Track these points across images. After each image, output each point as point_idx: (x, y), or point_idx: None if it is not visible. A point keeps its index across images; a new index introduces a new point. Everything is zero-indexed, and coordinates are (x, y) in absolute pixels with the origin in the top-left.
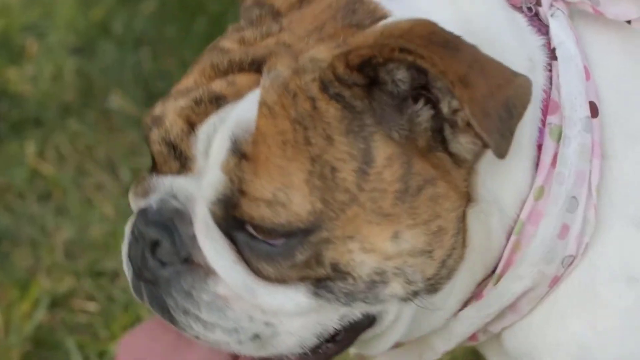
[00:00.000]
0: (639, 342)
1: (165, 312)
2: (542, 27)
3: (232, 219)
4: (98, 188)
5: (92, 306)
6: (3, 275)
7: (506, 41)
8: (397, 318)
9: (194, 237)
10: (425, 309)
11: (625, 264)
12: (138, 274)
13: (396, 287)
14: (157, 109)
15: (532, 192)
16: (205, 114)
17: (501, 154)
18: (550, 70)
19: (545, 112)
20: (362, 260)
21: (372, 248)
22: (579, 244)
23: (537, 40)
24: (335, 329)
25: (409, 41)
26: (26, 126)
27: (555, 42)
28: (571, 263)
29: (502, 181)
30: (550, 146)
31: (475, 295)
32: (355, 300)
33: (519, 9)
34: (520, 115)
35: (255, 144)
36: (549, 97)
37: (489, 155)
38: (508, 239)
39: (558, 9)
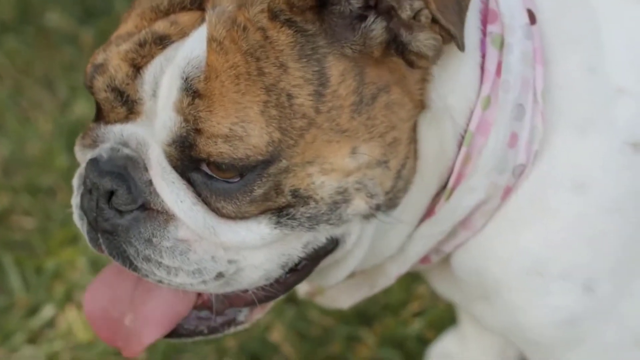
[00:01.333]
0: (590, 251)
1: (126, 260)
2: None
3: (188, 160)
4: (35, 105)
5: (29, 222)
6: None
7: None
8: (358, 239)
9: (150, 183)
10: (384, 227)
11: (571, 171)
12: (94, 225)
13: (359, 203)
14: (99, 57)
15: (479, 101)
16: (151, 56)
17: (463, 44)
18: None
19: (484, 21)
20: (322, 182)
21: (332, 168)
22: (528, 152)
23: None
24: (300, 257)
25: None
26: None
27: None
28: (522, 172)
29: (453, 87)
30: (493, 55)
31: (428, 212)
32: (319, 223)
33: None
34: (467, 6)
35: (207, 81)
36: (487, 6)
37: (441, 60)
38: (460, 150)
39: None
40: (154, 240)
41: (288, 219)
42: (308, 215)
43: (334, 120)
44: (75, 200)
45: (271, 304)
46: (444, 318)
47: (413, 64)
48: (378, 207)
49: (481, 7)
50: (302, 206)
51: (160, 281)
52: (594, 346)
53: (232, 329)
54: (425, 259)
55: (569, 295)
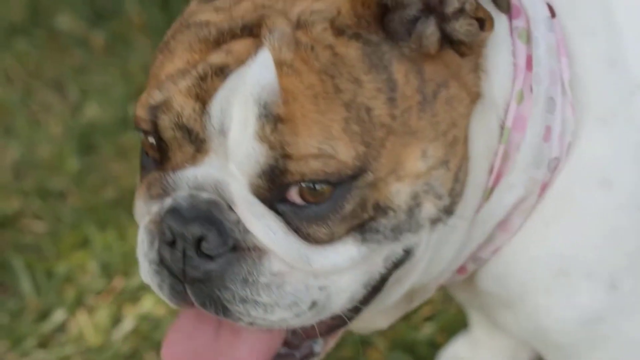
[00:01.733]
0: (613, 248)
1: (219, 307)
2: None
3: (277, 189)
4: (46, 108)
5: (39, 226)
6: None
7: None
8: (425, 248)
9: (238, 222)
10: (444, 236)
11: (598, 167)
12: (182, 277)
13: (429, 206)
14: (156, 96)
15: (514, 96)
16: (214, 89)
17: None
18: None
19: (510, 17)
20: (397, 190)
21: (405, 174)
22: (562, 144)
23: None
24: (380, 273)
25: None
26: None
27: None
28: (556, 166)
29: (496, 78)
30: (522, 49)
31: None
32: (402, 232)
33: None
34: None
35: (286, 104)
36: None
37: (484, 50)
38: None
39: None
40: (250, 279)
41: (373, 233)
42: (390, 226)
43: (405, 123)
44: (149, 255)
45: (341, 331)
46: (455, 322)
47: (463, 54)
48: (446, 210)
49: None
50: (382, 218)
51: (252, 322)
52: (619, 343)
53: None
54: (462, 269)
55: (594, 293)
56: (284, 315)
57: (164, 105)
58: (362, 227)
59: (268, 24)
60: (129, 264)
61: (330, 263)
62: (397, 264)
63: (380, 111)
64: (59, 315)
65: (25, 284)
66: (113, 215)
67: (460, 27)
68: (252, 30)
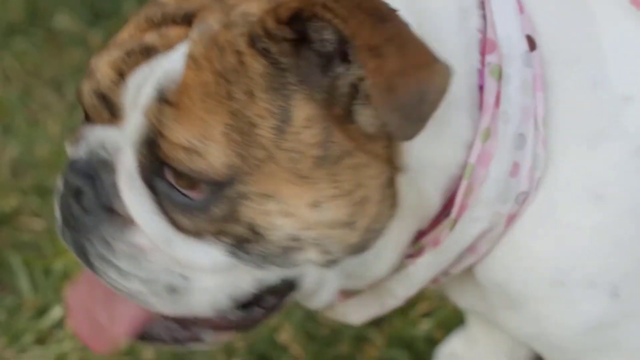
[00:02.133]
0: (613, 257)
1: (83, 257)
2: None
3: (154, 164)
4: (44, 107)
5: (37, 224)
6: None
7: None
8: (321, 280)
9: (116, 186)
10: (362, 262)
11: (587, 184)
12: (64, 220)
13: (312, 254)
14: (92, 63)
15: (479, 135)
16: (136, 64)
17: (405, 136)
18: (484, 9)
19: (483, 52)
20: (280, 224)
21: (292, 212)
22: (531, 179)
23: None
24: (254, 294)
25: (336, 2)
26: None
27: None
28: (525, 200)
29: (441, 140)
30: (492, 86)
31: (434, 241)
32: (270, 264)
33: None
34: (434, 103)
35: (179, 94)
36: (485, 36)
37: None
38: (450, 190)
39: None
40: (111, 242)
41: (242, 251)
42: (261, 253)
43: (294, 162)
44: (55, 196)
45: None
46: (453, 318)
47: (369, 136)
48: (334, 262)
49: (480, 37)
50: (256, 243)
51: (112, 285)
52: (625, 350)
53: (196, 346)
54: (434, 281)
55: (596, 302)
56: (141, 288)
57: (91, 72)
58: (236, 240)
59: (202, 16)
60: None
61: (193, 257)
62: (277, 290)
63: (265, 133)
64: (56, 312)
65: (23, 282)
66: None
67: (367, 117)
68: (191, 20)
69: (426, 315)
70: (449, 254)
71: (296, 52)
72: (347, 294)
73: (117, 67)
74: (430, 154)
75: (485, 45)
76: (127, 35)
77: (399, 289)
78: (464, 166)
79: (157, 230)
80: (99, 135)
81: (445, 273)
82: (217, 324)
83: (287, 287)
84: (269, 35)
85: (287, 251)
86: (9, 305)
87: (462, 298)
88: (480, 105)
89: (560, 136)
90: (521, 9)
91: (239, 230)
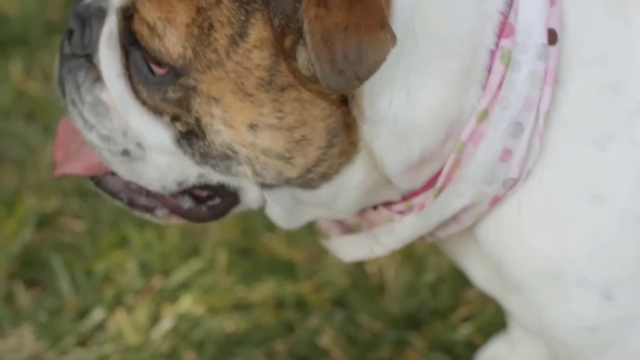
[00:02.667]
0: (609, 260)
1: (61, 93)
2: None
3: (127, 32)
4: None
5: (78, 225)
6: None
7: None
8: (265, 201)
9: (97, 38)
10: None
11: (589, 183)
12: (59, 59)
13: (247, 171)
14: None
15: (475, 113)
16: None
17: (331, 86)
18: None
19: (500, 35)
20: (219, 130)
21: (232, 124)
22: (522, 168)
23: None
24: (194, 184)
25: None
26: (12, 45)
27: None
28: (512, 186)
29: (441, 104)
30: (499, 70)
31: (419, 204)
32: (207, 163)
33: None
34: (371, 68)
35: None
36: (506, 19)
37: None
38: (429, 161)
39: None
40: (82, 89)
41: (186, 143)
42: (201, 150)
43: (240, 76)
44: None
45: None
46: (493, 323)
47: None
48: (271, 186)
49: (500, 20)
50: (200, 139)
51: (79, 131)
52: (621, 352)
53: (147, 216)
54: (420, 239)
55: (589, 303)
56: (99, 143)
57: None
58: (185, 131)
59: None
60: (168, 263)
61: (143, 130)
62: (222, 195)
63: (220, 39)
64: (98, 314)
65: (64, 283)
66: None
67: (302, 60)
68: None
69: (466, 319)
70: (431, 220)
71: None
72: (344, 229)
73: None
74: (407, 115)
75: (504, 29)
76: None
77: (386, 240)
78: (445, 138)
79: (119, 92)
80: None
81: (430, 234)
82: (170, 205)
83: (230, 194)
84: None
85: (224, 158)
86: (50, 307)
87: (477, 274)
88: (485, 86)
89: (566, 132)
90: (553, 1)
91: (189, 120)
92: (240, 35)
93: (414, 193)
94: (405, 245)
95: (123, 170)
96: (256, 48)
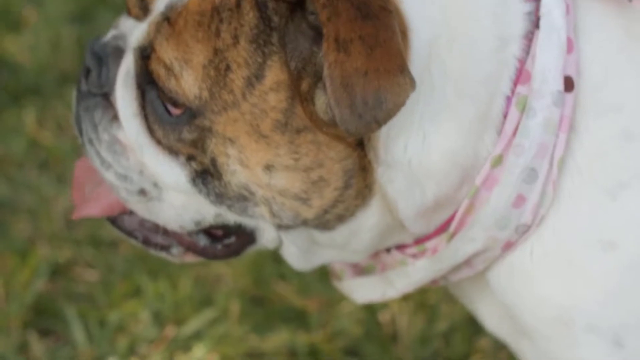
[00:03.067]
0: (619, 307)
1: (78, 132)
2: None
3: (144, 71)
4: None
5: (92, 275)
6: (3, 244)
7: (480, 16)
8: (282, 242)
9: (115, 78)
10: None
11: (601, 231)
12: (76, 98)
13: (264, 212)
14: None
15: (490, 159)
16: None
17: (349, 131)
18: (532, 40)
19: (516, 81)
20: (235, 170)
21: (247, 164)
22: (535, 214)
23: (524, 7)
24: (211, 224)
25: None
26: (25, 95)
27: (542, 11)
28: (525, 231)
29: (456, 149)
30: (515, 116)
31: (432, 248)
32: (223, 204)
33: None
34: (390, 112)
35: (179, 15)
36: (523, 66)
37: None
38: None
39: None
40: (99, 128)
41: (202, 182)
42: (217, 190)
43: (256, 118)
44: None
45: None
46: None
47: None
48: (288, 227)
49: (517, 66)
50: (216, 179)
51: (98, 171)
52: None
53: (162, 254)
54: (433, 282)
55: (599, 349)
56: (116, 181)
57: None
58: (200, 170)
59: None
60: (181, 312)
61: (158, 170)
62: (238, 234)
63: (237, 80)
64: None
65: (78, 333)
66: (164, 264)
67: (321, 104)
68: None
69: None
70: (443, 264)
71: (290, 15)
72: (357, 271)
73: None
74: (422, 159)
75: (520, 75)
76: None
77: (399, 283)
78: (460, 183)
79: (134, 132)
80: (125, 26)
81: (443, 278)
82: (186, 243)
83: (246, 235)
84: None
85: (240, 199)
86: (64, 357)
87: (488, 318)
88: (501, 131)
89: (580, 180)
90: (570, 49)
91: (204, 160)
92: (256, 77)
93: (427, 237)
94: (417, 289)
95: (141, 209)
96: (272, 90)
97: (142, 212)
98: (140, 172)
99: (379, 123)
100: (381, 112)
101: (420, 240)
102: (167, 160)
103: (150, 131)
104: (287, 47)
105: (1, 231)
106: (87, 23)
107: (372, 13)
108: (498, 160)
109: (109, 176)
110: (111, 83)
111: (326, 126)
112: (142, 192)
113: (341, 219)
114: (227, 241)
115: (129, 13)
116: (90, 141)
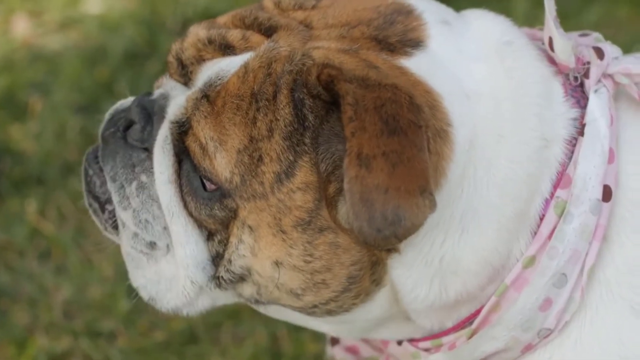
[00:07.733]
0: None
1: (95, 173)
2: (582, 100)
3: (181, 141)
4: (98, 248)
5: None
6: (1, 333)
7: (527, 116)
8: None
9: (154, 137)
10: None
11: (621, 346)
12: (105, 131)
13: (251, 291)
14: (191, 29)
15: (522, 259)
16: (212, 55)
17: (368, 242)
18: (575, 145)
19: (557, 185)
20: (244, 255)
21: (257, 254)
22: (559, 319)
23: (569, 113)
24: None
25: (364, 95)
26: (28, 184)
27: (588, 119)
28: (547, 336)
29: (491, 247)
30: (552, 219)
31: (450, 344)
32: (220, 286)
33: (565, 75)
34: (408, 230)
35: (218, 94)
36: (564, 170)
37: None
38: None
39: (604, 86)
40: (136, 168)
41: (214, 264)
42: (221, 274)
43: (280, 212)
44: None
45: None
46: None
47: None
48: (259, 302)
49: (559, 169)
50: (226, 262)
51: (111, 214)
52: None
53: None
54: None
55: None
56: (131, 225)
57: (184, 36)
58: (220, 247)
59: (279, 35)
60: None
61: (182, 237)
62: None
63: (267, 173)
64: None
65: None
66: (162, 357)
67: (343, 214)
68: (271, 34)
69: None
70: (461, 357)
71: (325, 115)
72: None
73: (198, 48)
74: (455, 256)
75: (561, 180)
76: (223, 21)
77: None
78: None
79: (167, 198)
80: (170, 86)
81: None
82: None
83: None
84: (308, 87)
85: (238, 279)
86: None
87: None
88: (535, 233)
89: (606, 292)
90: (612, 159)
91: (222, 238)
92: (286, 174)
93: (445, 332)
94: None
95: (134, 258)
96: (300, 190)
97: (133, 261)
98: (163, 227)
99: (399, 239)
100: (400, 229)
101: (436, 335)
102: (194, 234)
103: (184, 202)
104: (320, 148)
105: (0, 319)
106: (93, 113)
107: (399, 128)
108: (531, 262)
109: (125, 216)
110: (152, 140)
111: (349, 231)
112: (152, 245)
113: (331, 313)
114: None
115: (170, 76)
116: (114, 178)
